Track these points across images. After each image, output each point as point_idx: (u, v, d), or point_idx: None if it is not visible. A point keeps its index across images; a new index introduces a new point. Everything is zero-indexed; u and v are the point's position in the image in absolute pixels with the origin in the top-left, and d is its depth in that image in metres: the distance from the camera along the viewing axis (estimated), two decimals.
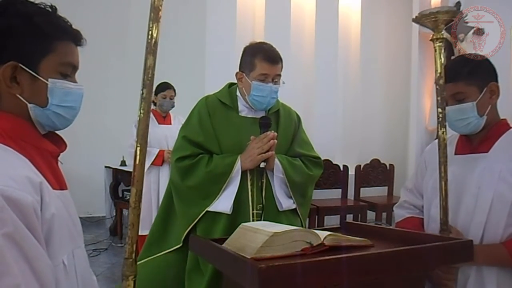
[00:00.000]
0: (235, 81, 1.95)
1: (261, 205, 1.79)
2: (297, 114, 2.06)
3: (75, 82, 0.93)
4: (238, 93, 1.92)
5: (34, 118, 0.88)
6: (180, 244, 1.82)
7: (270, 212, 1.80)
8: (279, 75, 1.84)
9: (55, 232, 0.81)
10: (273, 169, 1.82)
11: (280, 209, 1.84)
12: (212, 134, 1.84)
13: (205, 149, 1.84)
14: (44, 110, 0.88)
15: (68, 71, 0.91)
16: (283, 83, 1.87)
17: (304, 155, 1.96)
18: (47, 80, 0.87)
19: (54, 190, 0.85)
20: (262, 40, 1.96)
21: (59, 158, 0.95)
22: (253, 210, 1.79)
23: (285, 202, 1.85)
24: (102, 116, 5.59)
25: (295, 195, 1.88)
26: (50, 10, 0.89)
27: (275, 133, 1.80)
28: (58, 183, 0.90)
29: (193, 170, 1.80)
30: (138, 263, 1.87)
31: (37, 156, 0.86)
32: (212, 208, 1.77)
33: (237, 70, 1.90)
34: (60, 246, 0.83)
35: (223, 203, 1.77)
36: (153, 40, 0.89)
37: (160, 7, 0.89)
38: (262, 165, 1.77)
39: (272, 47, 1.86)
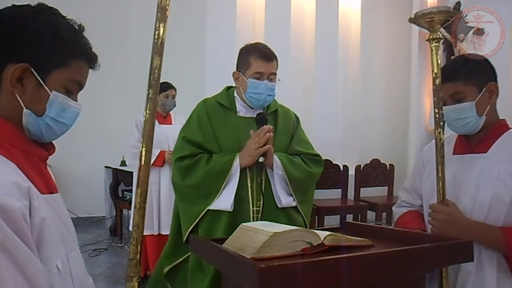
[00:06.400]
0: (233, 85, 1.99)
1: (260, 202, 1.81)
2: (295, 114, 2.08)
3: (76, 100, 0.93)
4: (235, 94, 1.97)
5: (24, 124, 0.86)
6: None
7: (269, 209, 1.81)
8: (275, 73, 1.87)
9: (46, 237, 0.80)
10: (272, 166, 1.84)
11: (279, 205, 1.85)
12: (211, 134, 1.87)
13: (205, 149, 1.87)
14: (38, 119, 0.87)
15: (73, 88, 0.91)
16: (279, 80, 1.91)
17: (303, 153, 1.98)
18: (51, 92, 0.86)
19: (43, 195, 0.84)
20: (261, 40, 1.99)
21: (48, 162, 0.94)
22: (253, 207, 1.81)
23: (285, 199, 1.86)
24: (102, 116, 5.59)
25: (295, 192, 1.89)
26: (77, 28, 0.91)
27: (271, 126, 1.83)
28: (48, 186, 0.89)
29: (193, 169, 1.83)
30: (166, 269, 1.94)
31: (24, 161, 0.84)
32: (213, 206, 1.80)
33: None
34: (53, 251, 0.82)
35: (224, 201, 1.79)
36: (160, 40, 0.88)
37: (167, 7, 0.88)
38: (261, 159, 1.79)
39: (266, 46, 1.91)
